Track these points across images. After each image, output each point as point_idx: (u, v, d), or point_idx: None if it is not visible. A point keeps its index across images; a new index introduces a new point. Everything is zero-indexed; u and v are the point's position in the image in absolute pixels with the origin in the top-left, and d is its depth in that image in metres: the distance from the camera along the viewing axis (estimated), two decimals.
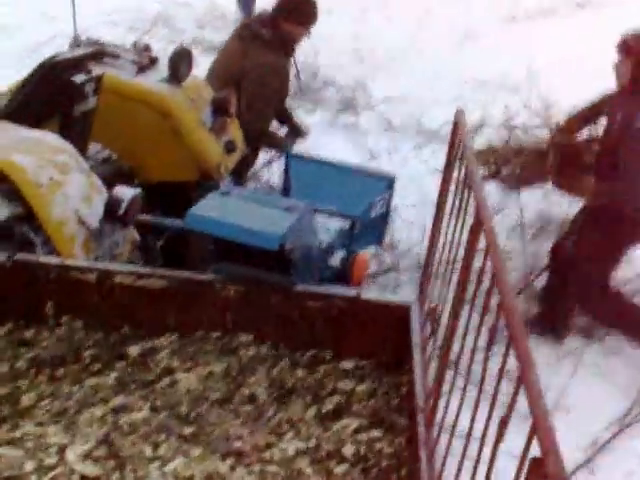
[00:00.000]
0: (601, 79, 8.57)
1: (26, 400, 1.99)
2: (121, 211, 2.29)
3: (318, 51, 9.01)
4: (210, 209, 1.98)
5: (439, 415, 1.70)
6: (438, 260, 2.41)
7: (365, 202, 3.13)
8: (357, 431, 1.99)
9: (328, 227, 2.77)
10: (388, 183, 3.17)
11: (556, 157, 3.82)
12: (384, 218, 3.27)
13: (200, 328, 2.33)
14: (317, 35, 9.41)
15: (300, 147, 6.29)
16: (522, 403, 1.39)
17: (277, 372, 2.25)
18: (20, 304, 2.29)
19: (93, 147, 3.31)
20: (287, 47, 4.15)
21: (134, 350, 2.28)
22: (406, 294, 4.06)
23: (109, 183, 3.27)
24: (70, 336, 2.32)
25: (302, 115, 7.19)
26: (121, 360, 2.26)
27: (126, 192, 2.32)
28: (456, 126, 2.26)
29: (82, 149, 2.97)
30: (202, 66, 8.22)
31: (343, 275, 2.72)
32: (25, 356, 2.20)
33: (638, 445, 3.64)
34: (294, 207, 2.07)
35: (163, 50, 8.43)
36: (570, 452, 3.55)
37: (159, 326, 2.33)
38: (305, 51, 8.88)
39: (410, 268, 4.43)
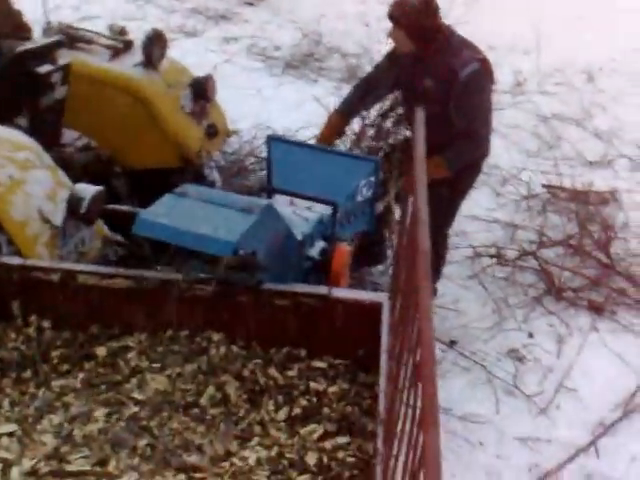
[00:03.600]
0: (614, 36, 8.30)
1: None
2: (83, 210, 2.20)
3: (322, 15, 8.81)
4: (161, 214, 1.88)
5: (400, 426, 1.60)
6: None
7: (350, 186, 3.01)
8: (324, 437, 1.91)
9: (307, 216, 2.66)
10: (374, 166, 3.04)
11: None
12: (371, 203, 3.15)
13: (169, 327, 2.25)
14: None
15: (303, 117, 6.19)
16: None
17: (249, 371, 2.17)
18: None
19: (71, 134, 3.23)
20: None
21: (102, 350, 2.22)
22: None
23: (89, 171, 3.22)
24: (38, 336, 2.26)
25: (304, 85, 7.05)
26: (90, 360, 2.21)
27: (88, 189, 2.23)
28: None
29: (53, 140, 2.90)
30: (207, 34, 8.17)
31: (323, 266, 2.62)
32: None
33: None
34: (253, 207, 1.96)
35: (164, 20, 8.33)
36: (575, 434, 3.48)
37: (127, 326, 2.26)
38: (308, 16, 8.71)
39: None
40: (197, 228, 1.84)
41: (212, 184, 3.52)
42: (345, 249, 2.68)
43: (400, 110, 4.02)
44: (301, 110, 6.43)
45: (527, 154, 6.04)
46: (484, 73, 3.35)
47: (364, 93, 3.75)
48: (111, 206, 2.87)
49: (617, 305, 4.35)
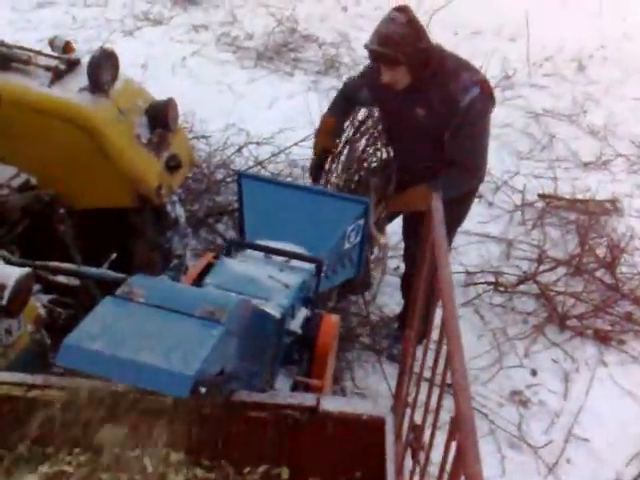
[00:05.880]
0: (601, 21, 7.90)
1: None
2: (4, 301, 1.74)
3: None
4: (93, 335, 1.40)
5: None
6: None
7: (336, 233, 2.56)
8: None
9: (286, 281, 2.21)
10: (363, 208, 2.60)
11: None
12: (360, 248, 2.71)
13: (116, 446, 1.80)
14: None
15: (278, 117, 5.71)
16: None
17: None
18: None
19: (7, 171, 2.74)
20: None
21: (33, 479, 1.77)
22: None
23: (29, 214, 2.75)
24: None
25: (278, 80, 6.54)
26: None
27: (10, 274, 1.76)
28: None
29: None
30: (174, 20, 7.57)
31: (305, 341, 2.19)
32: None
33: None
34: (219, 313, 1.50)
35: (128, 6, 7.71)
36: None
37: (63, 444, 1.81)
38: (283, 1, 8.18)
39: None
40: (142, 355, 1.38)
41: (175, 221, 3.05)
42: (333, 320, 2.26)
43: (371, 128, 3.59)
44: (276, 108, 5.98)
45: (519, 156, 5.64)
46: (486, 98, 2.92)
47: (347, 100, 3.36)
48: (52, 264, 2.43)
49: (625, 333, 4.00)
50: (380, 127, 3.47)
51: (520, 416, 3.42)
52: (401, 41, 2.71)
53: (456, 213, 3.27)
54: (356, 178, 3.28)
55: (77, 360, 1.39)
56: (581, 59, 7.33)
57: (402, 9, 2.76)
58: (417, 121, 2.94)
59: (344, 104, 3.37)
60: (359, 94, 3.23)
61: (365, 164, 3.34)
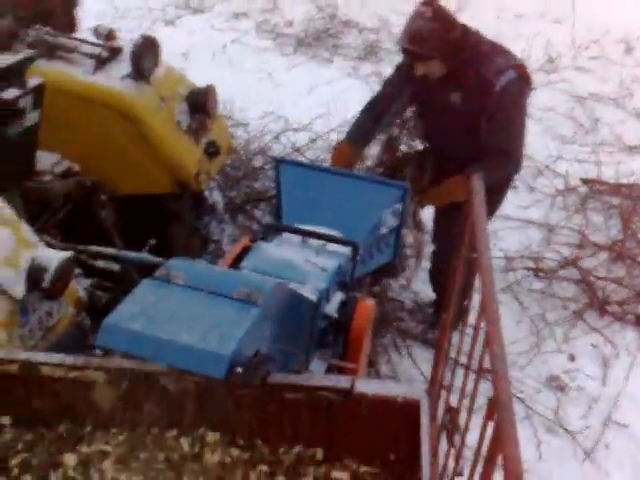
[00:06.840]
0: None
1: None
2: (46, 284, 1.79)
3: None
4: (133, 315, 1.44)
5: None
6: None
7: (373, 217, 2.57)
8: None
9: (323, 265, 2.23)
10: (402, 193, 2.60)
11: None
12: (397, 232, 2.72)
13: (154, 426, 1.85)
14: None
15: (317, 103, 5.70)
16: None
17: None
18: None
19: (51, 158, 2.81)
20: None
21: (72, 458, 1.82)
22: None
23: (71, 199, 2.81)
24: None
25: (318, 66, 6.54)
26: (57, 469, 1.81)
27: (52, 258, 1.80)
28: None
29: (24, 176, 2.48)
30: (216, 8, 7.61)
31: (340, 324, 2.21)
32: None
33: None
34: (255, 295, 1.53)
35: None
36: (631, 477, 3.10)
37: (103, 424, 1.86)
38: None
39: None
40: (180, 335, 1.42)
41: (213, 207, 3.10)
42: (368, 304, 2.27)
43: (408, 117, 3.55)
44: (315, 95, 5.96)
45: (562, 140, 5.56)
46: (522, 82, 2.88)
47: (376, 116, 3.20)
48: (93, 248, 2.49)
49: None
50: (413, 123, 3.44)
51: (557, 401, 3.39)
52: (429, 36, 2.70)
53: (493, 201, 3.24)
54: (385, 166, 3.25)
55: (116, 340, 1.44)
56: (629, 41, 7.16)
57: (428, 2, 2.74)
58: (453, 107, 2.92)
59: (369, 126, 3.18)
60: (393, 103, 3.11)
61: (399, 154, 3.30)
